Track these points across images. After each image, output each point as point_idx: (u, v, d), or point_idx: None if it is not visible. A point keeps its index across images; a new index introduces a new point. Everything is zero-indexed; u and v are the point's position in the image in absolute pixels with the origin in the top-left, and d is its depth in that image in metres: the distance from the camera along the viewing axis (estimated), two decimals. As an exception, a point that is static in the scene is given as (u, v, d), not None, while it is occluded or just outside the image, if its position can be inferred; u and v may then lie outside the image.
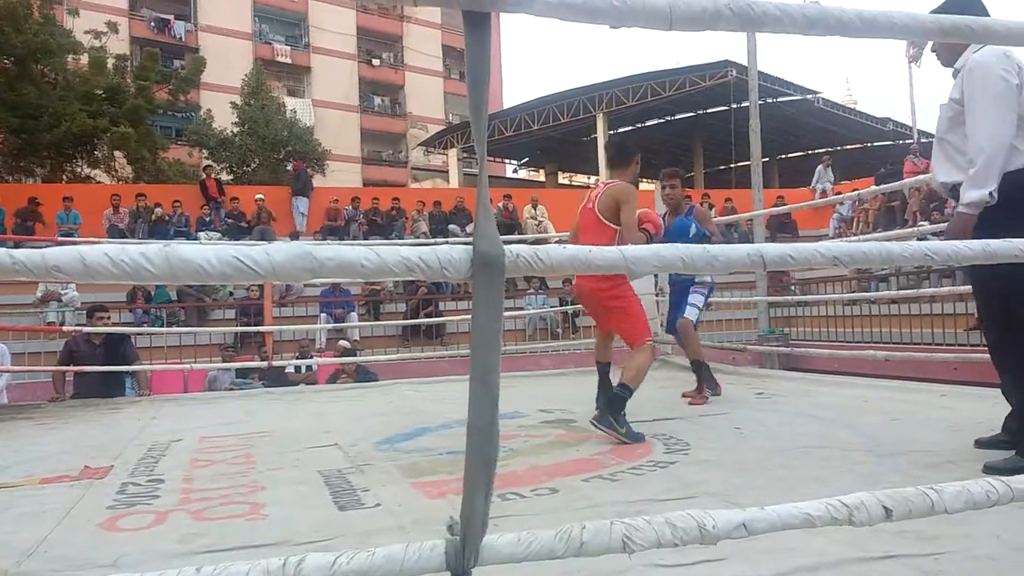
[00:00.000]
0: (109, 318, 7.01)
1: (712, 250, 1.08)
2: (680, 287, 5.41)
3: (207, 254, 0.86)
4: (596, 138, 25.24)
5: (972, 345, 7.98)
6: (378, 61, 36.96)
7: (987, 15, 2.78)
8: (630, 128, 27.30)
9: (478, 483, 0.93)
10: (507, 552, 0.96)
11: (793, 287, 13.23)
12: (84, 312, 10.76)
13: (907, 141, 22.25)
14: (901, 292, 8.97)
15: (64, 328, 7.95)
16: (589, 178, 33.05)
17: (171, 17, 31.25)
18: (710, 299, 5.56)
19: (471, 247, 0.92)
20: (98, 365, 6.21)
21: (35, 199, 14.23)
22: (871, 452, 3.04)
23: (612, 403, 3.67)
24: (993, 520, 1.90)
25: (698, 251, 1.08)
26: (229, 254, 0.86)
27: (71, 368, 6.37)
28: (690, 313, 5.23)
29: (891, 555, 1.80)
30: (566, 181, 34.50)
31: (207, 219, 14.98)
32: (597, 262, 1.03)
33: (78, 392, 6.42)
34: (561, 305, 12.46)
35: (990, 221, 2.67)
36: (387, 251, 0.92)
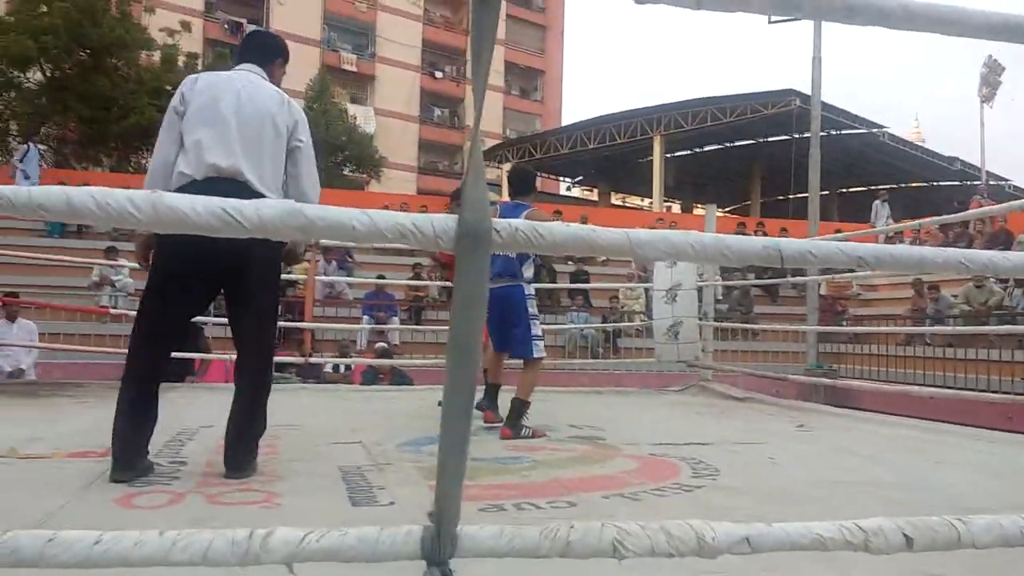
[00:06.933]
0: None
1: (726, 239, 1.01)
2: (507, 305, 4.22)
3: (194, 203, 0.83)
4: (652, 160, 25.08)
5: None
6: (440, 74, 37.43)
7: None
8: (687, 152, 27.07)
9: (453, 467, 0.87)
10: (487, 544, 0.90)
11: (845, 322, 12.88)
12: (136, 298, 11.08)
13: (974, 182, 21.59)
14: (957, 328, 8.62)
15: (112, 311, 8.16)
16: (643, 200, 32.84)
17: (244, 20, 32.13)
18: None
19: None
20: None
21: None
22: (907, 490, 2.91)
23: None
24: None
25: (710, 239, 1.01)
26: (216, 204, 0.83)
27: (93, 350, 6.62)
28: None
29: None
30: (619, 202, 34.34)
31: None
32: (600, 243, 0.97)
33: None
34: (603, 323, 12.36)
35: None
36: (380, 215, 0.87)
